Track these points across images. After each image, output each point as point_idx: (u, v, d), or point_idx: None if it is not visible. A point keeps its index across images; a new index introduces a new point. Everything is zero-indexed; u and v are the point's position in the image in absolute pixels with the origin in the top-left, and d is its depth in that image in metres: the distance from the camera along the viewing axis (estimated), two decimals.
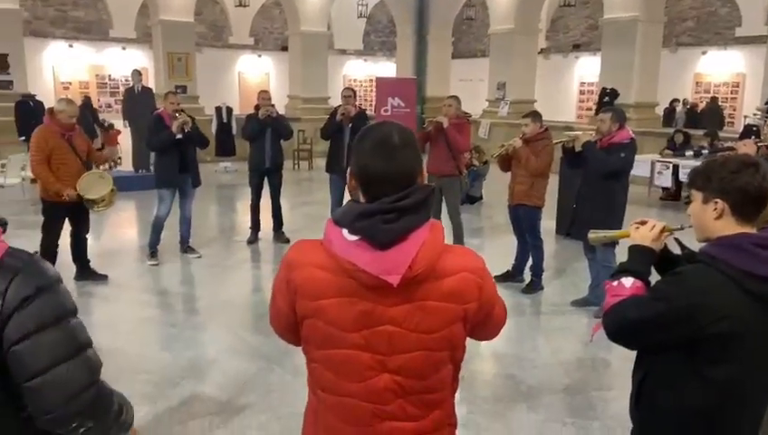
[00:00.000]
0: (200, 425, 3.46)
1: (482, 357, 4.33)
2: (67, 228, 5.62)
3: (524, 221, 5.62)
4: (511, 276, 5.80)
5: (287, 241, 7.19)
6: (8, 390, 1.31)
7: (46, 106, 7.62)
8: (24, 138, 9.50)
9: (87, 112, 11.74)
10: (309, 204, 9.52)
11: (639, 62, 11.99)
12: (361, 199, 1.45)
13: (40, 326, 1.28)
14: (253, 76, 20.42)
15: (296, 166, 13.27)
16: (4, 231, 1.37)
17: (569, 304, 5.40)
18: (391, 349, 1.41)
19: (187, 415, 3.56)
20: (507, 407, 3.72)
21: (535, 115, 5.57)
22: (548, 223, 6.60)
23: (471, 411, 3.48)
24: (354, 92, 7.12)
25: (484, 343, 4.20)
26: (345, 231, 1.38)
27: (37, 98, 10.97)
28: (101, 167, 6.29)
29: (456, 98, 6.30)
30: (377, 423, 1.46)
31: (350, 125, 6.77)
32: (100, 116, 13.52)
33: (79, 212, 5.51)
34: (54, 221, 5.43)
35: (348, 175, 1.49)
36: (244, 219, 7.76)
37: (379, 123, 1.50)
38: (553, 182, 5.90)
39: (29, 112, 10.08)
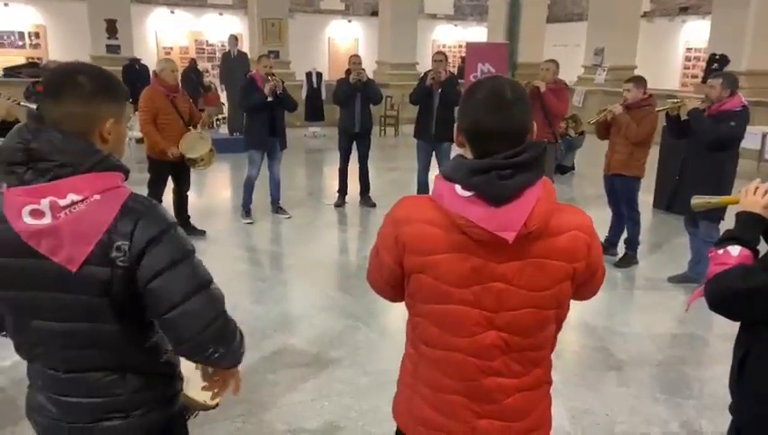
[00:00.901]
0: (291, 375, 3.61)
1: (571, 328, 4.23)
2: (169, 186, 5.94)
3: (621, 192, 5.39)
4: (604, 249, 5.56)
5: (373, 205, 7.28)
6: (136, 322, 1.42)
7: (150, 70, 8.01)
8: (130, 100, 10.06)
9: (192, 75, 12.24)
10: (394, 170, 9.55)
11: (753, 27, 11.05)
12: (468, 155, 1.42)
13: (170, 264, 1.37)
14: (342, 42, 20.52)
15: (382, 132, 13.30)
16: (125, 178, 1.45)
17: (665, 280, 5.17)
18: (500, 306, 1.41)
19: (279, 365, 3.72)
20: (596, 379, 3.64)
21: (639, 80, 5.28)
22: (645, 196, 6.30)
23: (559, 381, 3.39)
24: (446, 56, 7.01)
25: (573, 314, 4.11)
26: (458, 187, 1.36)
27: (142, 62, 11.55)
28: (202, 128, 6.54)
29: (554, 62, 6.08)
30: (481, 378, 1.47)
31: (440, 90, 6.69)
32: (205, 79, 14.00)
33: (181, 170, 5.82)
34: (159, 178, 5.76)
35: (455, 130, 1.46)
36: (332, 183, 7.91)
37: (490, 77, 1.47)
38: (653, 153, 5.61)
39: (135, 76, 10.66)
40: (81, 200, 1.32)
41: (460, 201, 1.35)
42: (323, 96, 12.71)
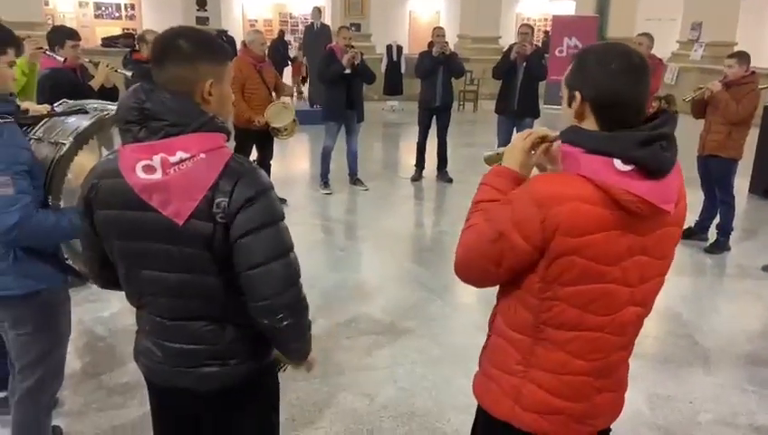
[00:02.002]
0: (366, 341, 3.69)
1: (655, 313, 4.00)
2: (253, 155, 6.11)
3: (716, 174, 5.11)
4: (693, 233, 5.33)
5: (450, 181, 7.24)
6: (236, 276, 1.48)
7: (237, 42, 8.23)
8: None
9: (280, 46, 12.48)
10: (471, 145, 9.43)
11: None
12: (590, 127, 1.37)
13: (261, 224, 1.43)
14: (423, 15, 20.26)
15: (461, 107, 13.12)
16: (227, 139, 1.51)
17: (759, 269, 4.90)
18: (640, 280, 1.41)
19: (355, 331, 3.81)
20: (680, 366, 3.51)
21: (742, 56, 4.95)
22: (741, 180, 5.95)
23: (641, 367, 3.30)
24: (532, 29, 6.82)
25: (658, 300, 3.96)
26: (617, 161, 1.29)
27: (229, 33, 11.86)
28: (285, 98, 6.68)
29: (648, 36, 5.78)
30: (613, 354, 1.46)
31: (525, 64, 6.53)
32: (291, 51, 14.24)
33: (265, 139, 5.98)
34: (245, 146, 5.94)
35: (577, 99, 1.38)
36: (409, 157, 7.91)
37: (612, 44, 1.41)
38: (752, 134, 5.27)
39: None
40: (189, 158, 1.40)
41: (621, 176, 1.29)
42: (403, 70, 12.66)
